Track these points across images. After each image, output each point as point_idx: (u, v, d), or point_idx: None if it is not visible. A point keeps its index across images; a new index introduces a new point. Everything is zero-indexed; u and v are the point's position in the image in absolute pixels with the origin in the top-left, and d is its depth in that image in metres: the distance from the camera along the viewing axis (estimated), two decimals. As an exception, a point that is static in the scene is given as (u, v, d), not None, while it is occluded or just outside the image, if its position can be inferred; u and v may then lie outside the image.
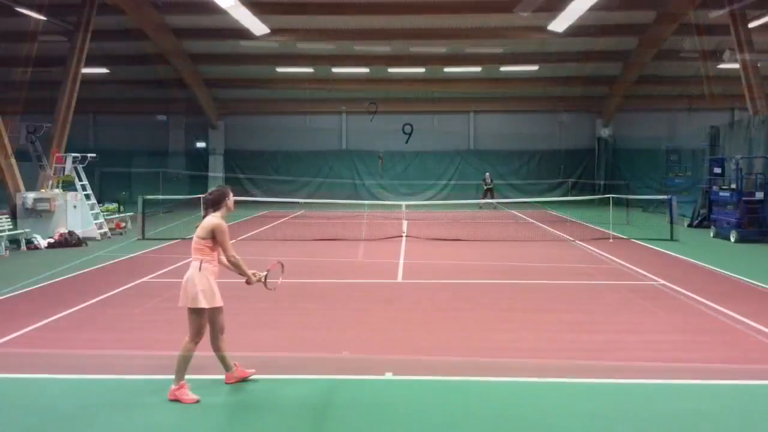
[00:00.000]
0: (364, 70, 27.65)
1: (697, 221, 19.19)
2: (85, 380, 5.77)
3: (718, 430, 4.69)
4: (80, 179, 17.27)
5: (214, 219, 5.43)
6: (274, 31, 23.58)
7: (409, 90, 29.78)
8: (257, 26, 21.07)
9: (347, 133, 31.85)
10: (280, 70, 27.71)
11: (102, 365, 6.16)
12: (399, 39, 25.21)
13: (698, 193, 20.08)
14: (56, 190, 16.94)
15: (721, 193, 16.59)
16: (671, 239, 15.62)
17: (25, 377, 5.87)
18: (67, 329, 7.59)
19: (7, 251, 14.17)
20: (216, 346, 5.52)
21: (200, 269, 5.32)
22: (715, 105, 29.75)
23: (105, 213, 18.55)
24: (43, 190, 16.74)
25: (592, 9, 18.45)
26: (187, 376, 5.31)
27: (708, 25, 23.61)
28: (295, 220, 22.44)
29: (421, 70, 27.64)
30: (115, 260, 13.04)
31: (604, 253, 13.59)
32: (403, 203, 19.84)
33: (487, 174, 28.96)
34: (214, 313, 5.41)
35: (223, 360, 5.57)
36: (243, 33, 22.89)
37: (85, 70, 19.08)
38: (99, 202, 18.20)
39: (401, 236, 16.58)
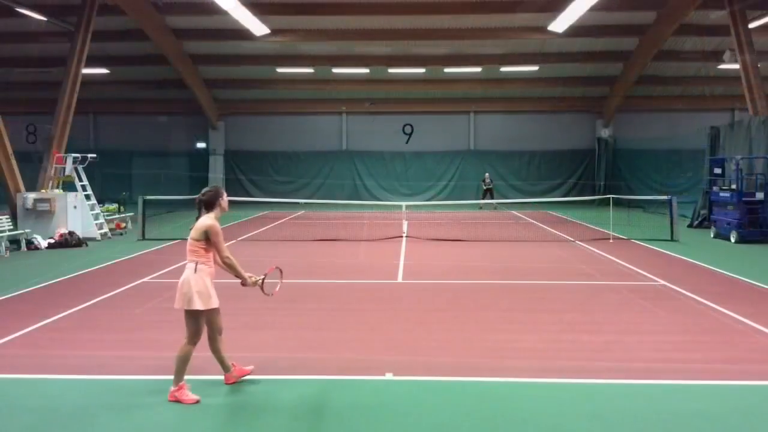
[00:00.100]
0: (364, 70, 27.65)
1: (697, 222, 19.19)
2: (85, 380, 5.77)
3: (719, 431, 4.68)
4: (80, 179, 17.27)
5: (207, 220, 5.37)
6: (275, 32, 23.60)
7: (409, 90, 29.78)
8: (257, 27, 21.08)
9: (347, 133, 31.85)
10: (280, 70, 27.71)
11: (102, 365, 6.16)
12: (399, 39, 25.23)
13: (698, 193, 20.09)
14: (56, 191, 16.95)
15: (722, 194, 16.58)
16: (671, 239, 15.62)
17: (25, 377, 5.88)
18: (67, 329, 7.59)
19: (8, 252, 14.18)
20: (214, 348, 5.51)
21: (196, 271, 5.29)
22: (715, 105, 29.81)
23: (105, 213, 18.56)
24: (43, 191, 16.75)
25: (592, 9, 18.44)
26: (186, 377, 5.31)
27: (708, 25, 23.65)
28: (295, 221, 22.45)
29: (422, 70, 27.64)
30: (116, 260, 13.04)
31: (604, 254, 13.59)
32: (404, 203, 19.82)
33: (487, 174, 28.97)
34: (212, 314, 5.39)
35: (221, 361, 5.56)
36: (243, 33, 22.91)
37: (86, 71, 19.06)
38: (99, 203, 18.20)
39: (401, 236, 16.59)
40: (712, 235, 16.73)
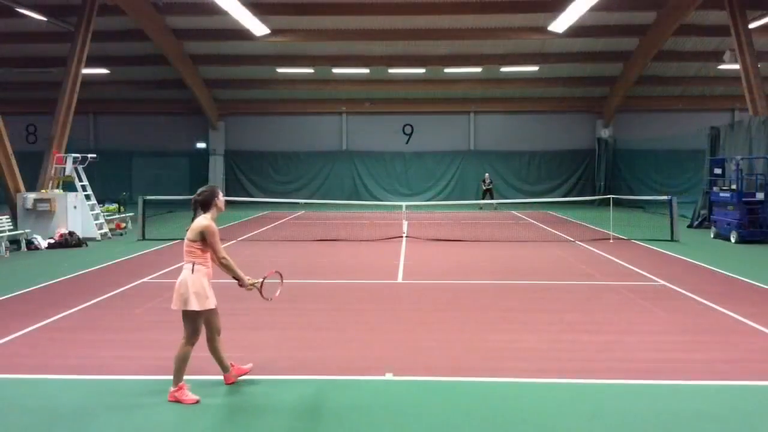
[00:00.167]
0: (364, 70, 27.64)
1: (697, 222, 19.19)
2: (85, 380, 5.77)
3: (719, 431, 4.68)
4: (80, 180, 17.27)
5: (203, 221, 5.32)
6: (275, 32, 23.61)
7: (409, 90, 29.78)
8: (257, 27, 21.07)
9: (347, 133, 31.86)
10: (280, 70, 27.71)
11: (102, 365, 6.16)
12: (399, 39, 25.23)
13: (698, 193, 20.09)
14: (56, 191, 16.94)
15: (722, 194, 16.58)
16: (671, 240, 15.62)
17: (25, 377, 5.87)
18: (67, 329, 7.59)
19: (8, 252, 14.18)
20: (212, 348, 5.50)
21: (193, 271, 5.26)
22: (715, 105, 29.82)
23: (105, 213, 18.56)
24: (43, 191, 16.75)
25: (592, 9, 18.44)
26: (186, 377, 5.31)
27: (708, 25, 23.66)
28: (295, 221, 22.45)
29: (422, 70, 27.64)
30: (116, 261, 13.05)
31: (604, 254, 13.59)
32: (404, 204, 19.83)
33: (487, 174, 28.98)
34: (209, 315, 5.37)
35: (220, 362, 5.55)
36: (243, 34, 22.91)
37: (86, 71, 19.06)
38: (99, 203, 18.20)
39: (401, 237, 16.59)
40: (712, 236, 16.73)
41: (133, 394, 5.40)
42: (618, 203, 22.30)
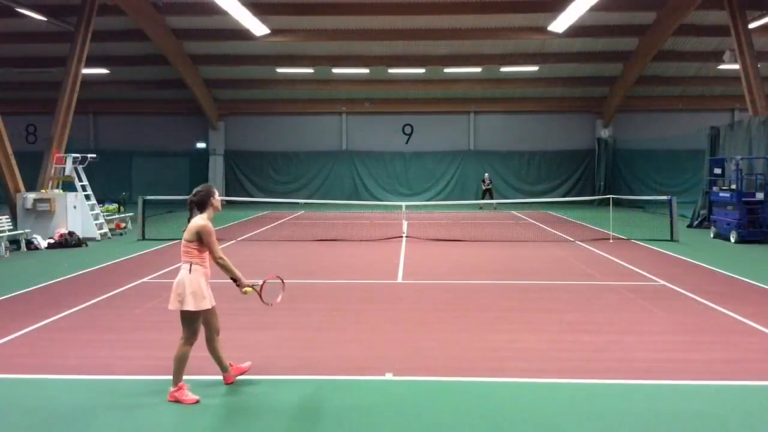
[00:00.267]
0: (364, 70, 27.64)
1: (697, 222, 19.19)
2: (85, 380, 5.77)
3: (719, 431, 4.68)
4: (80, 179, 17.27)
5: (200, 221, 5.29)
6: (275, 32, 23.61)
7: (409, 90, 29.78)
8: (257, 27, 21.08)
9: (347, 133, 31.85)
10: (280, 70, 27.70)
11: (102, 365, 6.16)
12: (399, 39, 25.23)
13: (698, 193, 20.09)
14: (56, 191, 16.94)
15: (721, 194, 16.58)
16: (671, 240, 15.62)
17: (25, 377, 5.87)
18: (67, 329, 7.59)
19: (7, 252, 14.18)
20: (212, 348, 5.49)
21: (190, 271, 5.25)
22: (715, 105, 29.82)
23: (105, 213, 18.55)
24: (43, 191, 16.74)
25: (592, 9, 18.45)
26: (186, 377, 5.31)
27: (708, 25, 23.66)
28: (295, 221, 22.45)
29: (421, 70, 27.63)
30: (116, 260, 13.05)
31: (604, 254, 13.59)
32: (403, 204, 19.83)
33: (486, 175, 28.98)
34: (208, 315, 5.36)
35: (219, 362, 5.55)
36: (243, 34, 22.93)
37: (86, 71, 19.06)
38: (99, 203, 18.20)
39: (401, 237, 16.59)
40: (711, 235, 16.73)
41: (133, 394, 5.40)
42: (618, 203, 22.31)
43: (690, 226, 19.18)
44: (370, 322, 7.88)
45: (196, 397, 5.20)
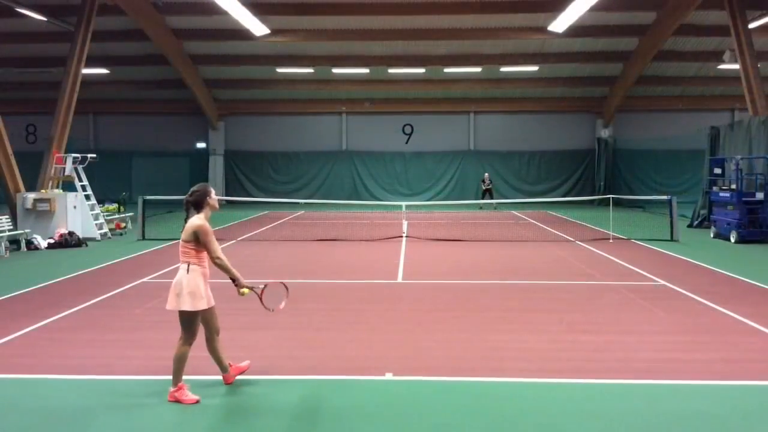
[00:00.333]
0: (364, 70, 27.64)
1: (697, 222, 19.19)
2: (85, 380, 5.77)
3: (719, 431, 4.68)
4: (80, 180, 17.26)
5: (197, 221, 5.27)
6: (275, 32, 23.61)
7: (409, 90, 29.78)
8: (257, 27, 21.07)
9: (347, 133, 31.85)
10: (280, 70, 27.71)
11: (102, 365, 6.16)
12: (399, 39, 25.23)
13: (698, 193, 20.09)
14: (56, 191, 16.94)
15: (721, 194, 16.58)
16: (671, 240, 15.62)
17: (25, 377, 5.87)
18: (67, 329, 7.59)
19: (7, 252, 14.18)
20: (211, 348, 5.49)
21: (188, 271, 5.23)
22: (715, 105, 29.82)
23: (105, 213, 18.56)
24: (43, 191, 16.74)
25: (592, 9, 18.45)
26: (186, 377, 5.31)
27: (708, 25, 23.66)
28: (295, 221, 22.45)
29: (421, 70, 27.64)
30: (116, 260, 13.05)
31: (604, 254, 13.59)
32: (403, 204, 19.83)
33: (486, 175, 28.98)
34: (207, 315, 5.35)
35: (219, 362, 5.54)
36: (243, 34, 22.91)
37: (86, 71, 19.06)
38: (99, 203, 18.20)
39: (401, 237, 16.59)
40: (711, 235, 16.73)
41: (133, 394, 5.40)
42: (618, 203, 22.31)
43: (690, 226, 19.18)
44: (370, 322, 7.88)
45: (196, 397, 5.20)
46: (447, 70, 27.48)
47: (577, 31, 22.86)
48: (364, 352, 6.64)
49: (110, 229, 17.74)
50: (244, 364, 5.75)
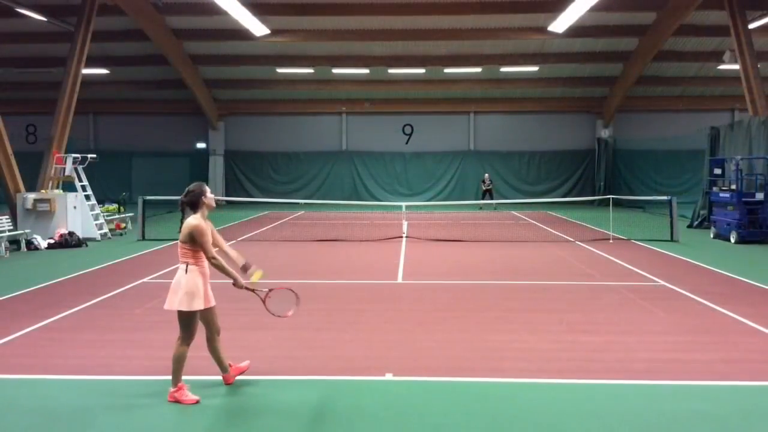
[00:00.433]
0: (364, 70, 27.65)
1: (697, 222, 19.19)
2: (85, 380, 5.77)
3: (719, 431, 4.68)
4: (80, 180, 17.26)
5: (192, 221, 5.23)
6: (275, 32, 23.61)
7: (409, 90, 29.78)
8: (257, 27, 21.07)
9: (347, 133, 31.86)
10: (280, 70, 27.71)
11: (102, 365, 6.16)
12: (399, 39, 25.24)
13: (698, 193, 20.08)
14: (56, 191, 16.94)
15: (721, 194, 16.58)
16: (671, 240, 15.62)
17: (25, 377, 5.87)
18: (67, 330, 7.59)
19: (7, 252, 14.17)
20: (212, 348, 5.48)
21: (187, 271, 5.22)
22: (715, 105, 29.83)
23: (105, 214, 18.55)
24: (43, 191, 16.74)
25: (592, 9, 18.44)
26: (185, 378, 5.31)
27: (708, 25, 23.67)
28: (295, 221, 22.45)
29: (421, 70, 27.64)
30: (116, 261, 13.05)
31: (604, 254, 13.59)
32: (403, 204, 19.83)
33: (486, 175, 28.98)
34: (206, 315, 5.35)
35: (219, 362, 5.54)
36: (243, 34, 22.91)
37: (86, 71, 19.07)
38: (99, 203, 18.19)
39: (401, 237, 16.59)
40: (711, 236, 16.73)
41: (133, 394, 5.40)
42: (618, 203, 22.31)
43: (690, 226, 19.18)
44: (370, 323, 7.88)
45: (196, 398, 5.20)
46: (447, 70, 27.49)
47: (577, 31, 22.86)
48: (364, 352, 6.64)
49: (110, 230, 17.74)
50: (244, 364, 5.75)
